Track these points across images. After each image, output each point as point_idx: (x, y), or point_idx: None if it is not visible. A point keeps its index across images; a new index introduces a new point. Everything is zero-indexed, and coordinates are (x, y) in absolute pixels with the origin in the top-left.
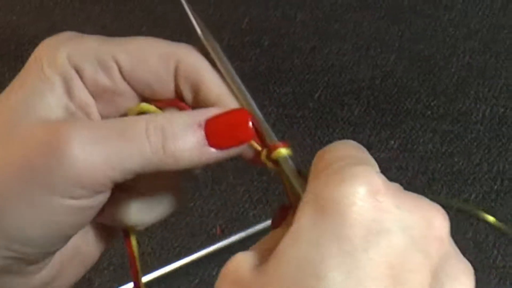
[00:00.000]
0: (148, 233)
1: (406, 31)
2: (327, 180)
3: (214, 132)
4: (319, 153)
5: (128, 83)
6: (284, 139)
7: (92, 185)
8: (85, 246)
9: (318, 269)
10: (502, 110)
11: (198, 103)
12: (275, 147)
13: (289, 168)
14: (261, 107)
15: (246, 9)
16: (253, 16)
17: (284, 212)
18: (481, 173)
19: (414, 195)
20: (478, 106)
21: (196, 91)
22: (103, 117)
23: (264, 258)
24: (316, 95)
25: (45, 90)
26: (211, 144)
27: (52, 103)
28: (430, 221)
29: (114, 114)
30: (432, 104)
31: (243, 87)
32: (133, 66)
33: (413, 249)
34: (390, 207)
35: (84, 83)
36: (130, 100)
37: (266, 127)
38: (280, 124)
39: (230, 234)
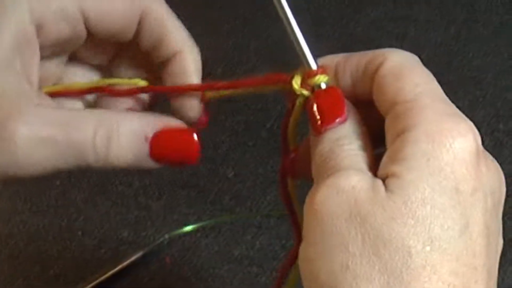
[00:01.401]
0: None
1: None
2: (439, 128)
3: (159, 146)
4: (392, 70)
5: (90, 31)
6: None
7: (28, 173)
8: None
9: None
10: None
11: (158, 54)
12: (315, 73)
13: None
14: (214, 135)
15: (198, 38)
16: (206, 45)
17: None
18: None
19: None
20: None
21: (159, 43)
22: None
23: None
24: (269, 124)
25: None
26: (153, 156)
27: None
28: (502, 186)
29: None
30: None
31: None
32: (100, 17)
33: (494, 213)
34: (484, 169)
35: (44, 37)
36: (80, 42)
37: (305, 51)
38: (233, 153)
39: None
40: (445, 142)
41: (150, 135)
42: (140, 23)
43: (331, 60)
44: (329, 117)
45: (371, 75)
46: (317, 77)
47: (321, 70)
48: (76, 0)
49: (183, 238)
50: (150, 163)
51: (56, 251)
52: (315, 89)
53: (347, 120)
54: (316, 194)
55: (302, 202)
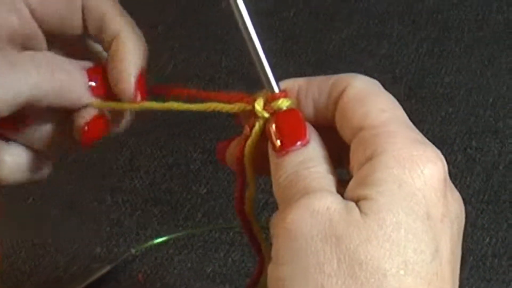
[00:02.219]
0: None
1: None
2: (409, 154)
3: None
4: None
5: (39, 24)
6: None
7: None
8: None
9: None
10: None
11: (102, 42)
12: (278, 96)
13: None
14: (185, 152)
15: (170, 55)
16: (178, 62)
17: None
18: None
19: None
20: None
21: (100, 27)
22: None
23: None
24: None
25: None
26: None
27: None
28: (463, 214)
29: None
30: None
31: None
32: (42, 5)
33: (458, 240)
34: (450, 196)
35: None
36: (41, 42)
37: (269, 75)
38: (206, 170)
39: None
40: (416, 168)
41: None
42: (83, 13)
43: (292, 83)
44: (291, 139)
45: (334, 100)
46: (280, 101)
47: (283, 94)
48: None
49: (155, 254)
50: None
51: (28, 268)
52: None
53: (311, 143)
54: (288, 214)
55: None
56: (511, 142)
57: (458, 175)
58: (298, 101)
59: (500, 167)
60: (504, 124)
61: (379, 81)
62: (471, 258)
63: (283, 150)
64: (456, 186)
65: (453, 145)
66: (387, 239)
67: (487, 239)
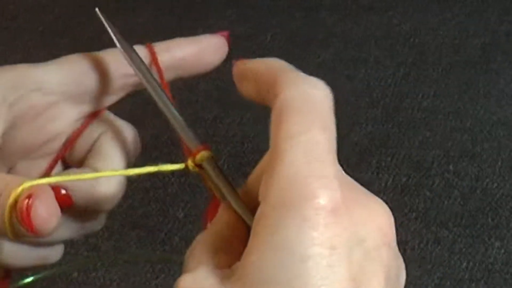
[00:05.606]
0: None
1: None
2: (286, 195)
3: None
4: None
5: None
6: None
7: None
8: None
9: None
10: (404, 179)
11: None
12: (197, 151)
13: (212, 170)
14: (163, 176)
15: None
16: None
17: (215, 209)
18: None
19: (363, 195)
20: (380, 175)
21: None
22: (23, 141)
23: (223, 274)
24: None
25: None
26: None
27: None
28: (381, 229)
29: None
30: None
31: (163, 94)
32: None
33: (369, 259)
34: (347, 223)
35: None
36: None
37: (186, 133)
38: (183, 194)
39: None
40: (291, 211)
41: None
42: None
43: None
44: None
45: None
46: (199, 155)
47: (202, 147)
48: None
49: (132, 278)
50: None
51: None
52: (202, 166)
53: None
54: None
55: None
56: (488, 167)
57: (435, 199)
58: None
59: (478, 191)
60: (481, 149)
61: (356, 105)
62: (448, 283)
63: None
64: (433, 211)
65: (431, 169)
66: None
67: (464, 263)
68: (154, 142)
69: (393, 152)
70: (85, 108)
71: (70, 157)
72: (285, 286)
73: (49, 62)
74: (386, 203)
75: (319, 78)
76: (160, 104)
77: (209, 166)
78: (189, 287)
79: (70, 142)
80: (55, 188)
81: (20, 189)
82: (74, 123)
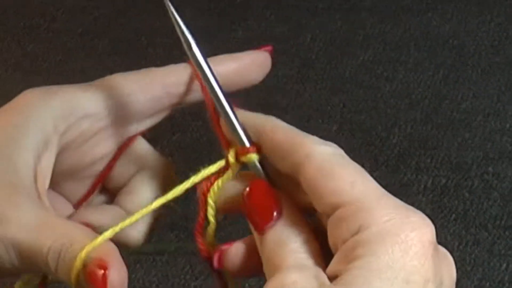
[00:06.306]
0: None
1: (348, 102)
2: (390, 224)
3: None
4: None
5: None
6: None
7: None
8: None
9: None
10: (444, 181)
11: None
12: (247, 151)
13: (258, 171)
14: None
15: None
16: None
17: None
18: None
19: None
20: (419, 177)
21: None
22: (70, 164)
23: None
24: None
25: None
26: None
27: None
28: (453, 278)
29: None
30: (373, 175)
31: (221, 94)
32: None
33: None
34: (436, 260)
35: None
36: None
37: (240, 130)
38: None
39: None
40: (396, 239)
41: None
42: None
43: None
44: (264, 218)
45: (293, 165)
46: (248, 156)
47: (252, 148)
48: None
49: (172, 280)
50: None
51: None
52: (248, 166)
53: (283, 218)
54: None
55: None
56: None
57: (474, 201)
58: (258, 141)
59: None
60: None
61: (395, 107)
62: (488, 284)
63: (260, 229)
64: (472, 212)
65: (470, 171)
66: None
67: (504, 265)
68: (194, 145)
69: (432, 153)
70: (128, 130)
71: (107, 183)
72: None
73: (95, 85)
74: (426, 205)
75: (358, 79)
76: (217, 100)
77: (255, 167)
78: (296, 280)
79: (109, 166)
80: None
81: (89, 248)
82: (117, 145)
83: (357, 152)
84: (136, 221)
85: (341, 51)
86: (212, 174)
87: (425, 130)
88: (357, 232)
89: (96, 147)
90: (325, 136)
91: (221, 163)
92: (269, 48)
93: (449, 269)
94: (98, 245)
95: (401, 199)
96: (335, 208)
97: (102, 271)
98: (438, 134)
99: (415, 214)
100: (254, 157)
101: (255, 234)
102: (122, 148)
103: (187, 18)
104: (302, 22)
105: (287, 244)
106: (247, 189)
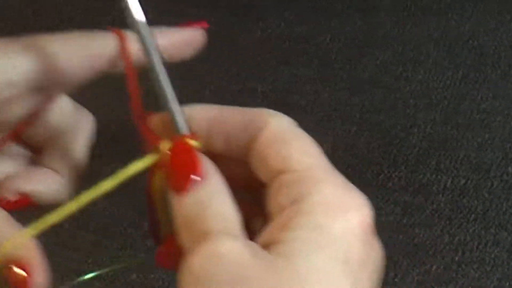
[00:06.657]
0: None
1: (367, 103)
2: (334, 200)
3: None
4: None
5: None
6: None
7: None
8: None
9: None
10: (463, 181)
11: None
12: (181, 138)
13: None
14: None
15: (208, 80)
16: (214, 87)
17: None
18: (442, 244)
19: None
20: (439, 177)
21: None
22: None
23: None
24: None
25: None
26: None
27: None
28: (382, 266)
29: None
30: (393, 175)
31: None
32: None
33: (377, 286)
34: (374, 244)
35: None
36: None
37: (176, 117)
38: None
39: None
40: (339, 215)
41: None
42: None
43: (203, 112)
44: (184, 176)
45: (249, 136)
46: (190, 142)
47: (190, 136)
48: None
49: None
50: None
51: None
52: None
53: (210, 180)
54: (192, 260)
55: None
56: None
57: (494, 201)
58: (208, 130)
59: None
60: None
61: (415, 107)
62: (507, 284)
63: (179, 189)
64: (492, 212)
65: (490, 172)
66: (300, 283)
67: None
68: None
69: (452, 154)
70: (47, 93)
71: (28, 139)
72: (332, 281)
73: (16, 48)
74: (445, 205)
75: (377, 80)
76: (158, 82)
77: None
78: (232, 249)
79: (25, 124)
80: (23, 200)
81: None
82: (38, 104)
83: (376, 152)
84: (60, 218)
85: (360, 51)
86: (146, 171)
87: (445, 131)
88: (297, 200)
89: (15, 106)
90: (345, 136)
91: (150, 158)
92: (205, 24)
93: (379, 254)
94: (20, 243)
95: (420, 199)
96: (279, 173)
97: (24, 275)
98: (458, 135)
99: (360, 195)
100: (194, 143)
101: (171, 197)
102: (44, 105)
103: (204, 18)
104: (321, 22)
105: (212, 207)
106: (170, 147)
